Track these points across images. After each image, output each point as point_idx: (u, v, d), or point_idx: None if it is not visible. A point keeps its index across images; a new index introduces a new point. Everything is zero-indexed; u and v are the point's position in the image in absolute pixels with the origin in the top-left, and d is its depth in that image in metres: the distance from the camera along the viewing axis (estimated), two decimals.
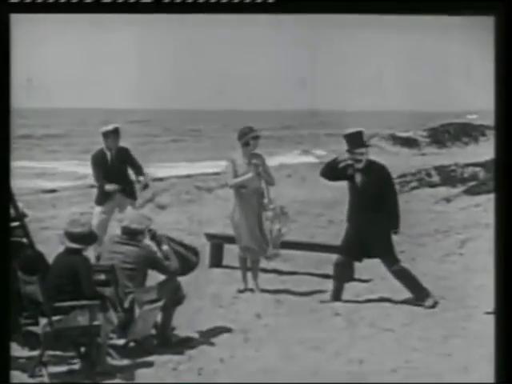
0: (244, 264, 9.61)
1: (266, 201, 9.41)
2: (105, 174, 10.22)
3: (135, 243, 7.52)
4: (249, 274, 9.61)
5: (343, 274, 9.15)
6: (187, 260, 7.82)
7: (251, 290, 9.55)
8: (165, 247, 7.65)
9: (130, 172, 10.48)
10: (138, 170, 10.43)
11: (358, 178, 8.98)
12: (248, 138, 9.43)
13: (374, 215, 8.90)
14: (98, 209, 10.33)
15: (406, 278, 8.92)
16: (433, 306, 8.81)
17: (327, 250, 10.30)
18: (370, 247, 8.94)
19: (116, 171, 10.26)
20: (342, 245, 9.11)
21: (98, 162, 10.31)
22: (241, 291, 9.56)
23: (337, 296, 9.12)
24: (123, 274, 7.34)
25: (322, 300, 9.16)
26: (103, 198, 10.28)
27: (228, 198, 9.69)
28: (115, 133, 10.30)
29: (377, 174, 8.99)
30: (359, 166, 8.95)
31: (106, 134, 10.29)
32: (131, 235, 7.54)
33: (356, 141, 8.97)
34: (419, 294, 8.89)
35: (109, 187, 10.16)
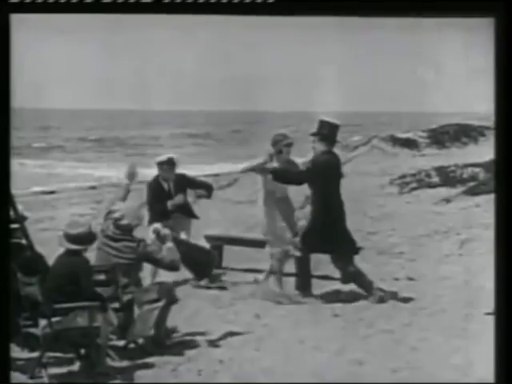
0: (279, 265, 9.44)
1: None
2: (163, 205, 9.80)
3: (129, 238, 7.49)
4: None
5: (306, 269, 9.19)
6: (199, 263, 7.83)
7: None
8: (169, 244, 7.63)
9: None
10: (201, 186, 10.12)
11: (310, 166, 8.98)
12: (281, 145, 9.35)
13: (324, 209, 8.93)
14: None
15: (360, 278, 8.98)
16: (381, 301, 8.86)
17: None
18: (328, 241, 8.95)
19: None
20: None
21: (156, 192, 9.88)
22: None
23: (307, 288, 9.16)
24: (119, 270, 7.33)
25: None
26: (158, 219, 9.49)
27: (227, 199, 9.68)
28: (170, 163, 9.86)
29: (322, 165, 8.94)
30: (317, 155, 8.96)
31: (160, 164, 9.89)
32: (123, 230, 7.52)
33: (326, 131, 8.94)
34: (368, 289, 8.97)
35: (176, 201, 9.82)
